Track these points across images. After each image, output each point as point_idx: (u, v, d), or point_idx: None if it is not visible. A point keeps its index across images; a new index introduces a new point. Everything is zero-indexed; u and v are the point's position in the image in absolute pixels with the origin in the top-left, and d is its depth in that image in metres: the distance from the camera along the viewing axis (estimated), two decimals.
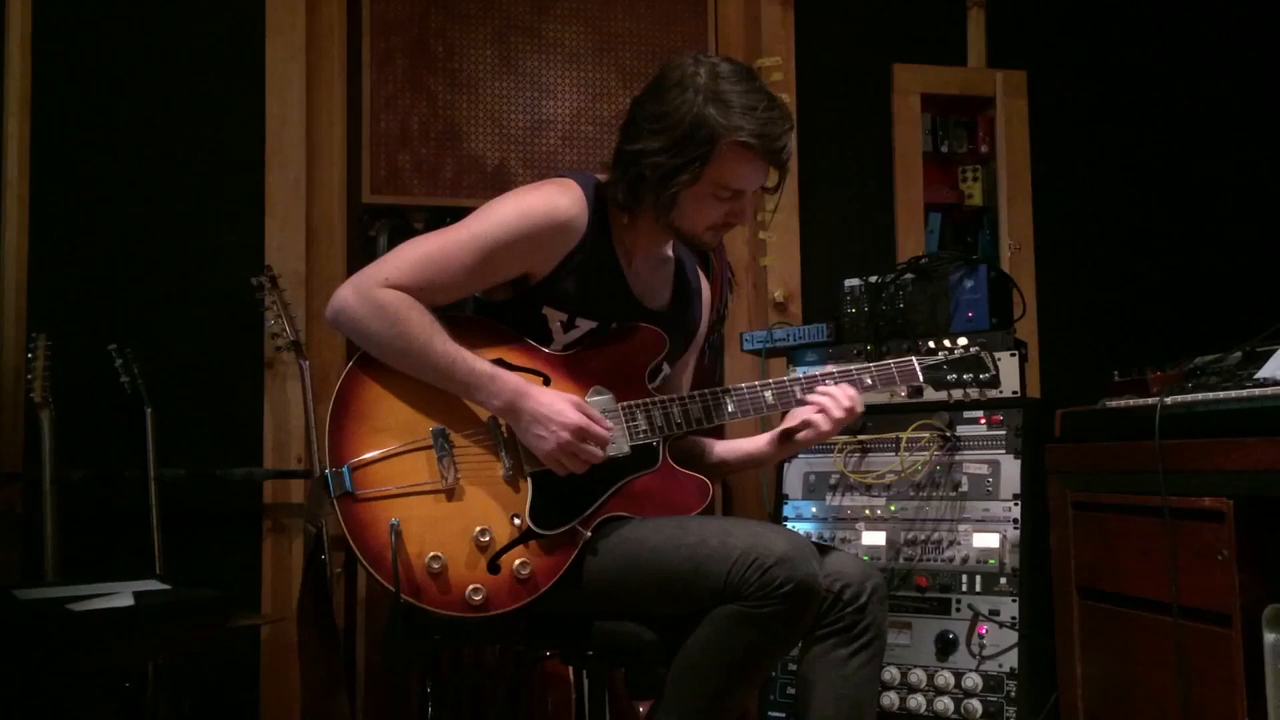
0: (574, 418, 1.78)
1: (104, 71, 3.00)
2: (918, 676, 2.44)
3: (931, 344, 2.10)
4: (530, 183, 1.94)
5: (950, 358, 2.07)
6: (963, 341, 2.10)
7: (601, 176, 1.95)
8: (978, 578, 2.44)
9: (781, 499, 2.71)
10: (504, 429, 1.84)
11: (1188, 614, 1.98)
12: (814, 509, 2.66)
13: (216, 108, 3.06)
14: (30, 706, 1.99)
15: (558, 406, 1.79)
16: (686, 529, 1.78)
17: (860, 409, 1.98)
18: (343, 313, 1.81)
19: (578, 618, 1.87)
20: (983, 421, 2.52)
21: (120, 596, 2.03)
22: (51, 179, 2.94)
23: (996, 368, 2.10)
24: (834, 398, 1.96)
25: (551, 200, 1.86)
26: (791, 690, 2.47)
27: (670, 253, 2.07)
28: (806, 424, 1.98)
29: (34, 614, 1.99)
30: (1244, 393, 1.92)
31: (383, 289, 1.80)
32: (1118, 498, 2.18)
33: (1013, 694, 2.35)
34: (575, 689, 2.48)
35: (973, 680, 2.38)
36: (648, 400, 1.90)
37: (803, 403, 1.99)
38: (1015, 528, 2.43)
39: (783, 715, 2.55)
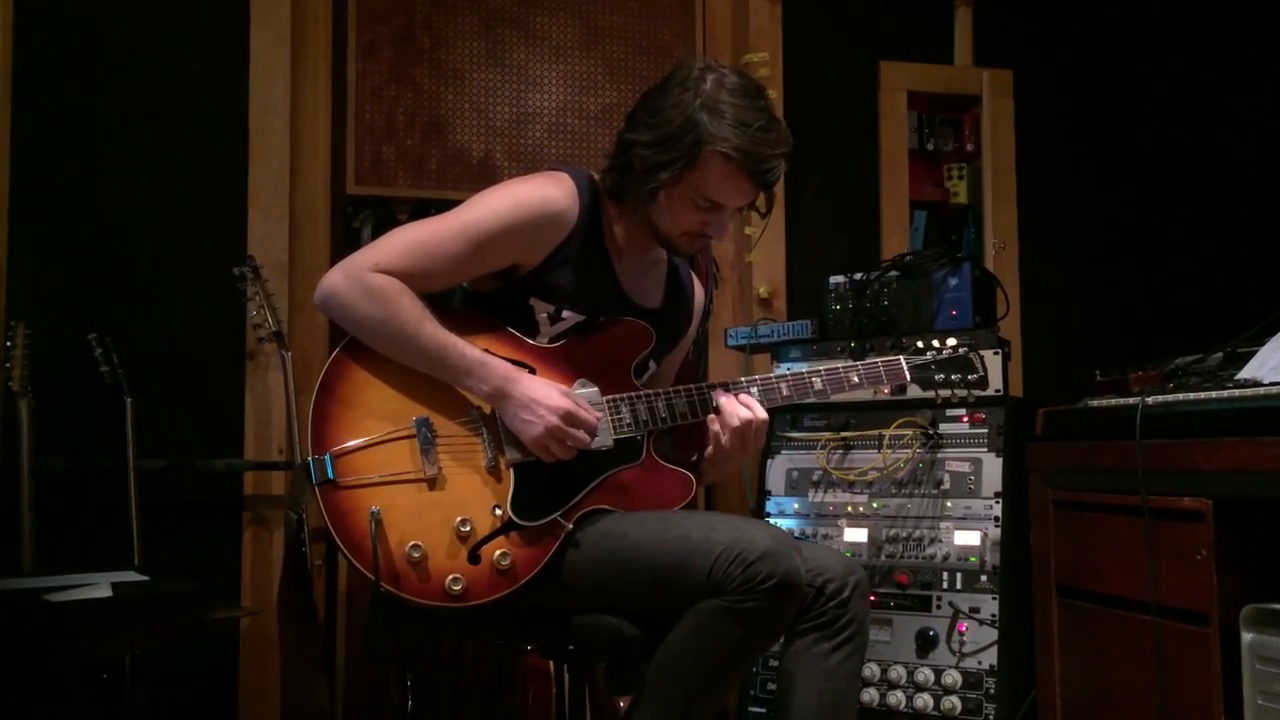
0: (562, 403, 1.79)
1: (86, 59, 2.97)
2: (898, 673, 2.45)
3: (920, 344, 2.09)
4: (516, 175, 1.94)
5: (938, 358, 2.06)
6: (951, 342, 2.09)
7: (598, 175, 1.95)
8: (958, 575, 2.45)
9: (764, 495, 2.72)
10: (488, 419, 1.84)
11: (1166, 613, 1.99)
12: (796, 505, 2.67)
13: (200, 96, 3.03)
14: (7, 697, 1.98)
15: (546, 392, 1.80)
16: (669, 523, 1.78)
17: (756, 420, 1.87)
18: (332, 296, 1.81)
19: (558, 611, 1.86)
20: (965, 420, 2.53)
21: (98, 587, 2.02)
22: (32, 167, 2.90)
23: (985, 368, 2.08)
24: (732, 412, 1.87)
25: (543, 192, 1.87)
26: (772, 685, 2.47)
27: (664, 255, 2.07)
28: (716, 440, 1.90)
29: (11, 605, 1.98)
30: (1224, 394, 1.93)
31: (373, 273, 1.79)
32: (1098, 497, 2.20)
33: (991, 691, 2.36)
34: (556, 683, 2.48)
35: (952, 677, 2.39)
36: (633, 394, 1.90)
37: (717, 409, 1.89)
38: (996, 526, 2.44)
39: (763, 710, 2.56)
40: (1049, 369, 3.42)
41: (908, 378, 2.04)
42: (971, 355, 2.07)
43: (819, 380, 1.98)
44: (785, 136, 1.86)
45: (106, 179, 2.97)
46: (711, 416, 1.90)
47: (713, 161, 1.81)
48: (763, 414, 1.89)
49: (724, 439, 1.88)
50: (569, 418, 1.79)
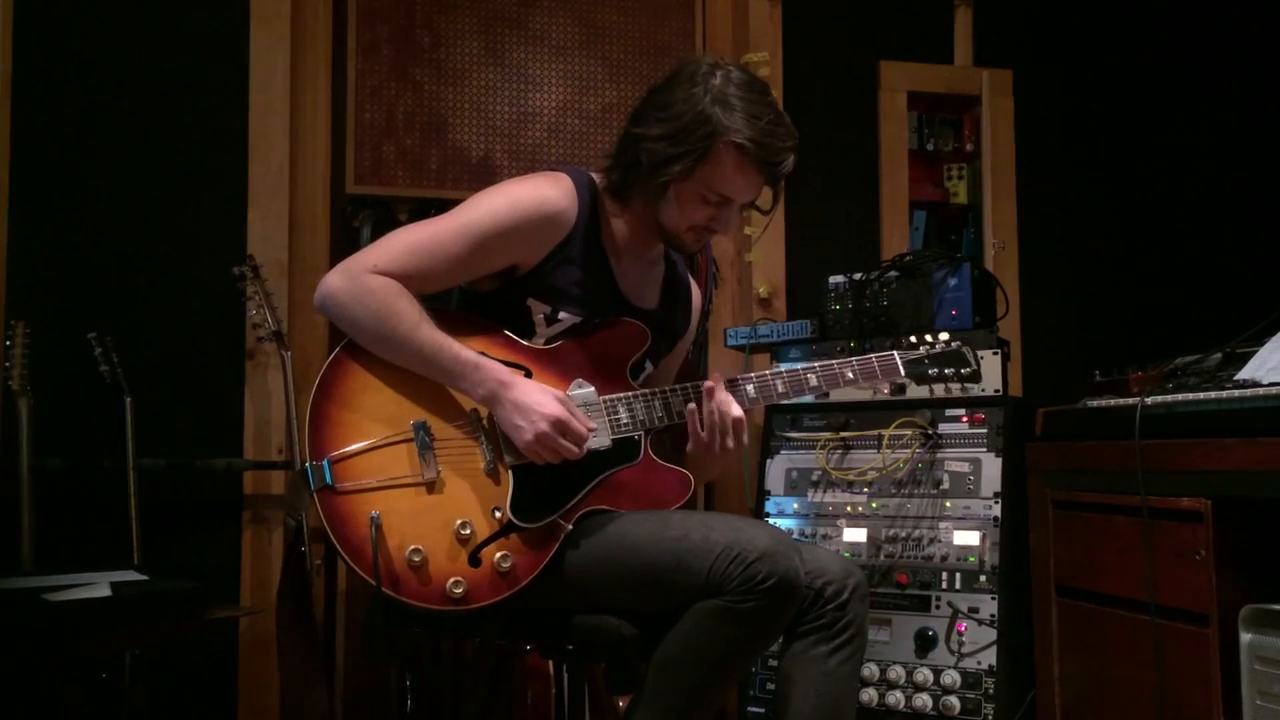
0: (554, 410, 1.78)
1: (86, 57, 2.97)
2: (897, 673, 2.45)
3: (913, 339, 2.10)
4: (516, 175, 1.94)
5: (931, 352, 2.06)
6: (944, 336, 2.09)
7: (597, 176, 1.95)
8: (958, 575, 2.45)
9: (763, 495, 2.72)
10: (486, 421, 1.84)
11: (1165, 613, 1.99)
12: (796, 505, 2.67)
13: (200, 95, 3.03)
14: (7, 697, 1.98)
15: (539, 398, 1.79)
16: (668, 523, 1.78)
17: (729, 417, 1.85)
18: (330, 298, 1.81)
19: (558, 611, 1.86)
20: (964, 420, 2.53)
21: (98, 587, 2.03)
22: (32, 166, 2.90)
23: (977, 362, 2.08)
24: (710, 413, 1.85)
25: (541, 192, 1.87)
26: (772, 685, 2.47)
27: (662, 256, 2.07)
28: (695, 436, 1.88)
29: (10, 604, 1.98)
30: (1224, 394, 1.93)
31: (371, 275, 1.80)
32: (1097, 497, 2.20)
33: (991, 691, 2.36)
34: (555, 683, 2.48)
35: (951, 677, 2.39)
36: (629, 394, 1.90)
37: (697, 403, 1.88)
38: (995, 525, 2.44)
39: (762, 711, 2.56)
40: (1049, 369, 3.42)
41: (901, 371, 2.03)
42: (964, 350, 2.07)
43: (814, 376, 1.97)
44: (793, 130, 1.87)
45: (106, 179, 2.97)
46: (691, 409, 1.87)
47: (726, 153, 1.82)
48: (737, 411, 1.87)
49: (702, 434, 1.87)
50: (559, 425, 1.78)
